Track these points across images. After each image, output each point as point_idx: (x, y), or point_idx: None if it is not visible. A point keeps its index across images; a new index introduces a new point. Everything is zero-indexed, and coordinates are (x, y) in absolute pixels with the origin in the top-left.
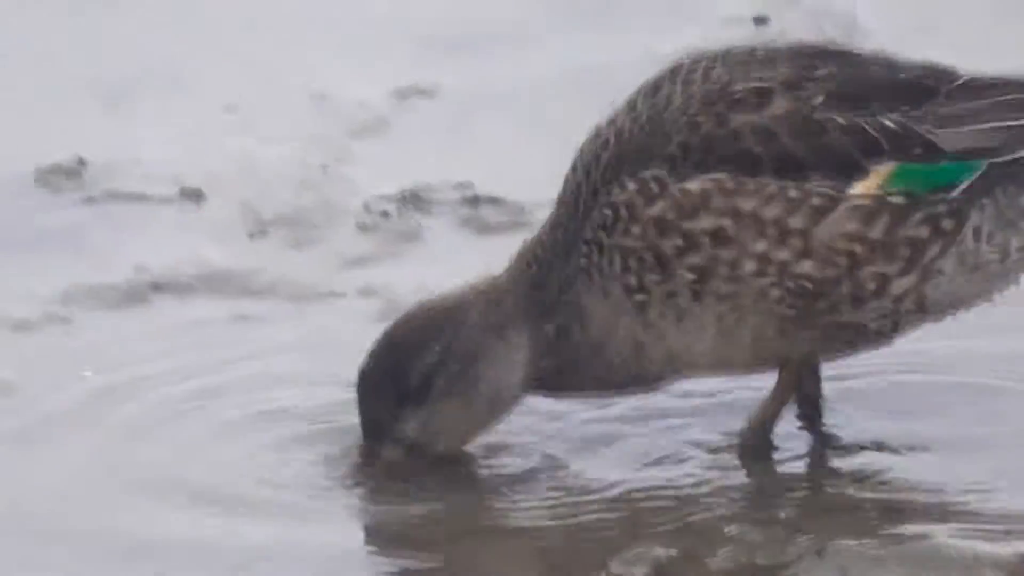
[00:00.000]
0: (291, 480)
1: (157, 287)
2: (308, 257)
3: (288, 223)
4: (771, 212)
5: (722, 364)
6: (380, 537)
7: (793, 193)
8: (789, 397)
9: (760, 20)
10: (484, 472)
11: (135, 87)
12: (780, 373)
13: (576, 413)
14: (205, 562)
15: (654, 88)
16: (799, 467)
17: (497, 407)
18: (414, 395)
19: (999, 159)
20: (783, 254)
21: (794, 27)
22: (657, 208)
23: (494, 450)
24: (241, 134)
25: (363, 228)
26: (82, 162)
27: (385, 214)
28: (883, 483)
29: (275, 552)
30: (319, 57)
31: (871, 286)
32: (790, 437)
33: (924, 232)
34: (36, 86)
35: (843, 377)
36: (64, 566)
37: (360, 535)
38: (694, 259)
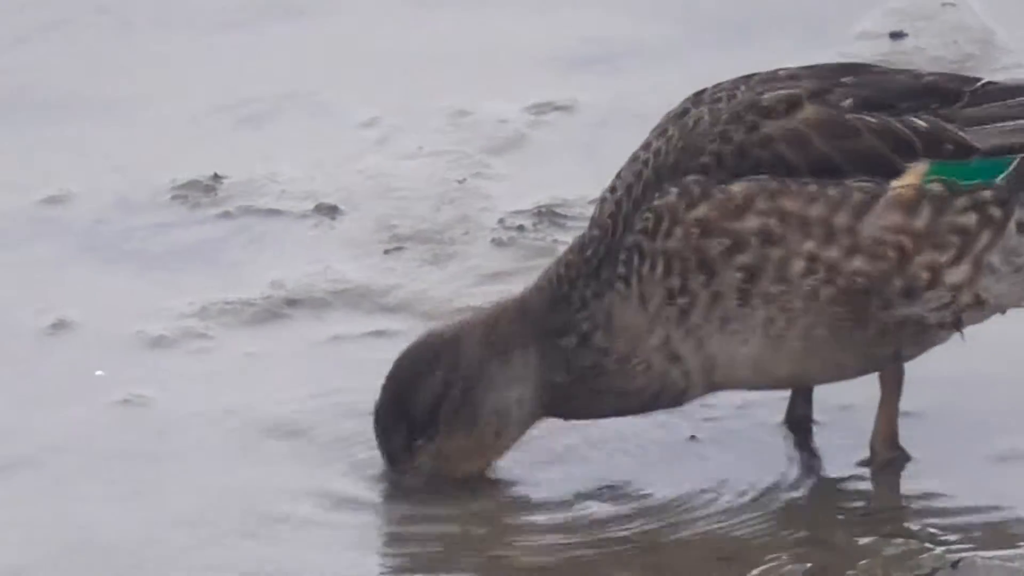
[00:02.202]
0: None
1: (293, 303)
2: (444, 273)
3: (424, 239)
4: (815, 211)
5: (765, 374)
6: None
7: (833, 191)
8: (898, 398)
9: (897, 35)
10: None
11: (273, 105)
12: (881, 379)
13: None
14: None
15: (681, 113)
16: (928, 480)
17: (507, 427)
18: (422, 427)
19: None
20: (832, 252)
21: (930, 43)
22: (700, 210)
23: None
24: (378, 150)
25: (499, 244)
26: (218, 178)
27: (521, 229)
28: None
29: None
30: (456, 73)
31: (924, 276)
32: (915, 448)
33: (971, 220)
34: (174, 105)
35: None
36: None
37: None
38: (743, 259)
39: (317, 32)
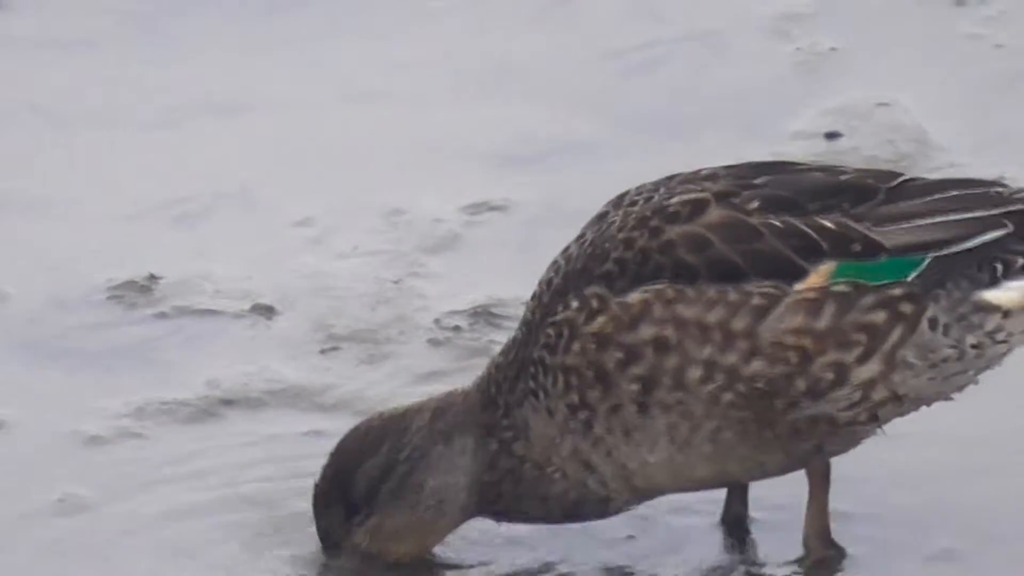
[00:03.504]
0: None
1: (228, 403)
2: (380, 373)
3: (360, 338)
4: (713, 316)
5: (684, 477)
6: None
7: (733, 296)
8: (826, 491)
9: (832, 135)
10: None
11: (207, 203)
12: (807, 473)
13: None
14: None
15: (601, 216)
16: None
17: (445, 513)
18: (361, 504)
19: (943, 252)
20: (730, 357)
21: (865, 142)
22: (597, 323)
23: None
24: (313, 249)
25: (435, 343)
26: (153, 278)
27: (457, 329)
28: None
29: None
30: (391, 173)
31: (828, 376)
32: (851, 545)
33: (880, 317)
34: (109, 205)
35: None
36: None
37: None
38: (637, 370)
39: (250, 130)
